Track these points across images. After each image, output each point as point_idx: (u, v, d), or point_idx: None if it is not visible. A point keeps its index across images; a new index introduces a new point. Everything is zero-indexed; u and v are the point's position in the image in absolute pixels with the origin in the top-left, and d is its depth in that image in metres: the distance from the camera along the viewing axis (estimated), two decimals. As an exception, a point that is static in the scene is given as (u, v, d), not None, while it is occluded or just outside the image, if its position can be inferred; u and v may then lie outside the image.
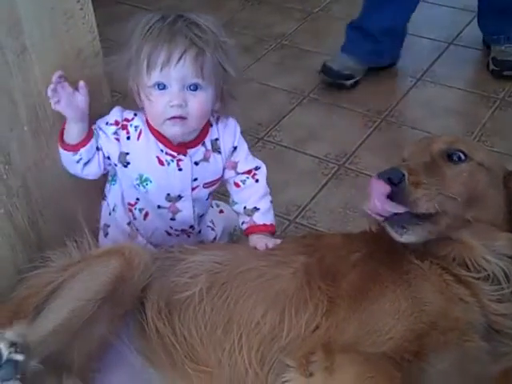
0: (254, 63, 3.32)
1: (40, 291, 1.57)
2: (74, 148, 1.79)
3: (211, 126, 1.89)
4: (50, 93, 1.71)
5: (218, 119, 1.90)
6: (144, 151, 1.83)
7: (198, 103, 1.73)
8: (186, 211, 1.93)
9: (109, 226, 1.99)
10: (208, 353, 1.58)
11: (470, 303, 1.56)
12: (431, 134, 2.61)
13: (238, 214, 1.99)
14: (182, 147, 1.84)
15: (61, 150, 1.81)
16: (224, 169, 1.94)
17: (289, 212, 2.45)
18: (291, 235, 2.30)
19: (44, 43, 1.73)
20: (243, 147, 1.94)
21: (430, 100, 3.02)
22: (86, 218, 1.99)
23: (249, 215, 1.94)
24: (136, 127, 1.83)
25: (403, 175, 1.52)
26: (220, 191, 2.50)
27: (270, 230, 1.93)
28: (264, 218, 1.94)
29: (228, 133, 1.90)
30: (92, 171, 1.85)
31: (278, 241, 1.84)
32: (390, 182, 1.51)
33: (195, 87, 1.72)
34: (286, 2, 3.81)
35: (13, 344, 1.29)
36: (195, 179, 1.88)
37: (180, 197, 1.89)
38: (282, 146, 2.75)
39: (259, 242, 1.84)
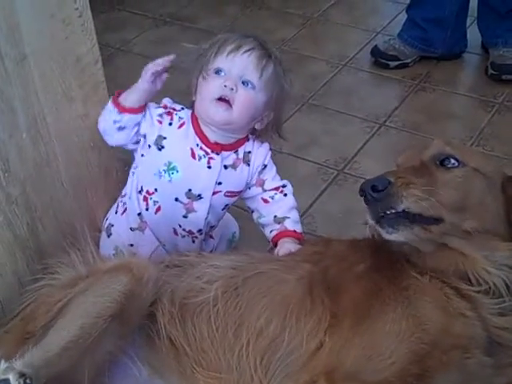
0: (254, 69, 3.31)
1: (49, 307, 1.57)
2: (123, 110, 1.85)
3: (248, 140, 1.96)
4: (152, 69, 1.83)
5: (255, 138, 1.98)
6: (181, 140, 1.89)
7: (245, 97, 1.81)
8: (200, 213, 1.95)
9: (113, 226, 2.01)
10: (218, 356, 1.58)
11: (471, 318, 1.53)
12: (426, 141, 2.63)
13: (264, 226, 2.01)
14: (217, 146, 1.90)
15: (109, 105, 1.87)
16: (248, 184, 1.99)
17: (288, 218, 2.44)
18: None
19: (43, 51, 1.74)
20: (272, 168, 2.01)
21: (428, 105, 3.02)
22: (85, 226, 2.01)
23: (279, 223, 1.97)
24: (180, 118, 1.90)
25: (389, 182, 1.51)
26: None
27: (299, 238, 1.96)
28: (295, 225, 1.98)
29: (261, 151, 1.97)
30: (119, 138, 1.91)
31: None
32: (374, 189, 1.52)
33: (248, 84, 1.81)
34: (285, 8, 3.82)
35: (22, 375, 1.29)
36: (220, 183, 1.92)
37: (200, 197, 1.92)
38: (282, 153, 2.75)
39: (283, 247, 1.90)
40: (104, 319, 1.49)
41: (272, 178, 2.00)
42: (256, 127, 1.93)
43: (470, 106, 3.01)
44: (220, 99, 1.81)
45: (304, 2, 3.80)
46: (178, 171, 1.89)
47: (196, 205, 1.93)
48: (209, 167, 1.89)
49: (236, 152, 1.94)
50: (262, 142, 1.98)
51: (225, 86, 1.79)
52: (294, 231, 1.96)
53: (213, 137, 1.90)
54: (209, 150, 1.89)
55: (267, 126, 1.94)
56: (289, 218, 1.98)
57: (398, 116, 2.96)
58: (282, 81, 1.88)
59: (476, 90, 3.09)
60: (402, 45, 3.25)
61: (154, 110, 1.90)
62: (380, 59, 3.29)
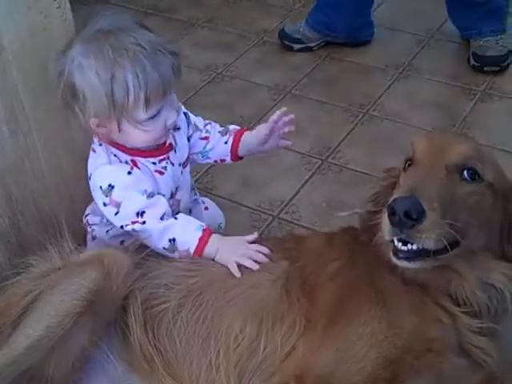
0: (237, 60, 3.31)
1: (18, 302, 1.55)
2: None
3: None
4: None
5: None
6: (146, 175, 1.79)
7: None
8: (184, 200, 1.94)
9: (94, 230, 1.97)
10: (184, 368, 1.56)
11: (446, 324, 1.51)
12: (441, 129, 2.66)
13: (221, 153, 2.00)
14: (164, 146, 1.84)
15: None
16: (189, 140, 1.96)
17: (272, 207, 2.44)
18: (271, 236, 2.29)
19: (21, 42, 1.73)
20: (189, 113, 1.99)
21: (411, 93, 3.03)
22: (67, 219, 2.00)
23: (226, 132, 1.98)
24: (126, 161, 1.78)
25: (423, 211, 1.38)
26: (206, 187, 2.51)
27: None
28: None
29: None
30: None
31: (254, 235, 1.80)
32: (406, 215, 1.39)
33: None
34: (267, -1, 3.81)
35: None
36: (179, 164, 1.90)
37: (177, 188, 1.91)
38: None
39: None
40: (70, 317, 1.48)
41: (197, 118, 2.00)
42: None
43: (453, 94, 3.02)
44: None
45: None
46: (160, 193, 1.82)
47: (178, 195, 1.92)
48: (172, 165, 1.86)
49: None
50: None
51: (171, 123, 1.75)
52: (246, 128, 1.99)
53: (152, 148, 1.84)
54: (165, 156, 1.84)
55: None
56: (229, 127, 2.00)
57: (381, 105, 2.96)
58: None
59: (458, 79, 3.09)
60: (307, 29, 3.31)
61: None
62: (285, 41, 3.36)
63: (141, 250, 1.76)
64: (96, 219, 1.93)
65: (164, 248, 1.73)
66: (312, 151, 2.71)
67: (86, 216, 1.99)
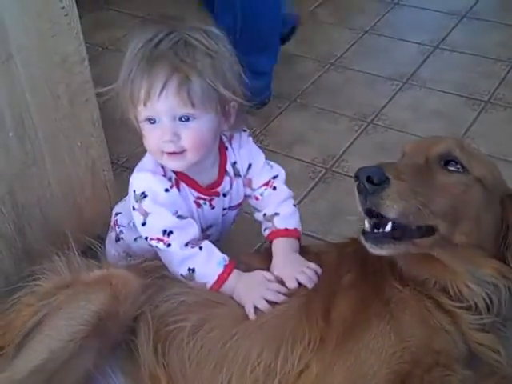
0: (242, 68, 3.32)
1: (24, 322, 1.53)
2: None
3: (227, 149, 1.80)
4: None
5: (231, 139, 1.80)
6: (183, 199, 1.74)
7: (192, 135, 1.61)
8: (213, 235, 1.89)
9: (123, 233, 1.92)
10: None
11: (451, 332, 1.51)
12: (435, 136, 2.61)
13: (260, 222, 1.88)
14: (212, 189, 1.78)
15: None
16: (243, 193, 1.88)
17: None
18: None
19: (29, 50, 1.74)
20: (257, 162, 1.84)
21: (416, 103, 3.03)
22: (73, 226, 2.01)
23: (269, 221, 1.83)
24: (170, 179, 1.72)
25: (386, 178, 1.42)
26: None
27: (293, 235, 1.80)
28: (285, 222, 1.82)
29: (244, 153, 1.82)
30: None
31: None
32: (368, 180, 1.43)
33: (187, 118, 1.60)
34: (272, 7, 3.82)
35: None
36: (223, 208, 1.85)
37: (211, 225, 1.87)
38: (269, 151, 2.75)
39: (276, 254, 1.75)
40: (75, 342, 1.46)
41: (258, 174, 1.84)
42: (225, 129, 1.75)
43: (457, 104, 3.02)
44: (169, 153, 1.63)
45: (291, 2, 3.80)
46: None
47: (209, 231, 1.88)
48: (212, 208, 1.81)
49: (226, 173, 1.80)
50: (240, 136, 1.80)
51: (164, 141, 1.61)
52: (286, 229, 1.80)
53: (200, 177, 1.75)
54: (207, 197, 1.78)
55: (229, 119, 1.72)
56: (278, 214, 1.82)
57: (385, 114, 2.97)
58: (218, 87, 1.60)
59: (463, 89, 3.10)
60: None
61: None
62: None
63: (151, 270, 1.71)
64: (125, 221, 1.88)
65: (182, 275, 1.68)
66: (316, 160, 2.72)
67: (116, 214, 1.93)
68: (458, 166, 1.52)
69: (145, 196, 1.67)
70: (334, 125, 2.93)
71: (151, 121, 1.61)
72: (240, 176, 1.82)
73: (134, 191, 1.69)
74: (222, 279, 1.65)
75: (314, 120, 2.96)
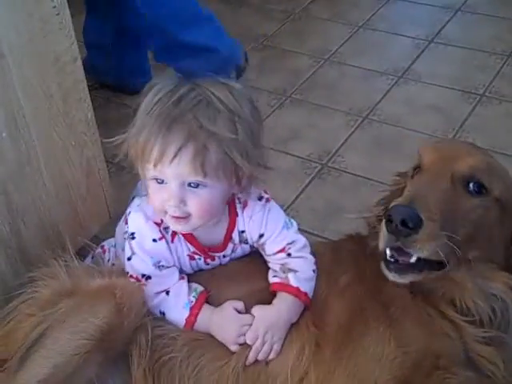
0: (236, 65, 3.32)
1: (26, 335, 1.49)
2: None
3: (237, 215, 1.65)
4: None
5: (244, 206, 1.64)
6: (177, 251, 1.65)
7: (199, 203, 1.51)
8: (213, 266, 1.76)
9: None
10: None
11: (453, 337, 1.50)
12: (449, 138, 2.63)
13: (269, 265, 1.70)
14: (211, 252, 1.67)
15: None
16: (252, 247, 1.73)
17: (272, 212, 2.44)
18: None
19: (21, 49, 1.73)
20: (271, 232, 1.65)
21: (411, 98, 3.03)
22: (69, 227, 2.01)
23: (283, 272, 1.64)
24: (166, 228, 1.62)
25: (421, 220, 1.36)
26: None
27: (302, 299, 1.60)
28: (300, 282, 1.62)
29: (253, 225, 1.65)
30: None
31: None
32: (403, 223, 1.37)
33: (196, 185, 1.49)
34: (266, 4, 3.82)
35: None
36: (220, 263, 1.73)
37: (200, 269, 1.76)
38: (265, 147, 2.75)
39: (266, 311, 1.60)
40: (79, 356, 1.43)
41: (272, 241, 1.66)
42: (235, 192, 1.60)
43: (452, 98, 3.02)
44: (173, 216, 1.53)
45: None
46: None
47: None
48: (207, 264, 1.70)
49: (231, 240, 1.67)
50: (254, 205, 1.64)
51: (169, 205, 1.51)
52: (298, 289, 1.60)
53: (203, 237, 1.64)
54: (202, 256, 1.67)
55: (242, 185, 1.57)
56: (296, 272, 1.63)
57: (380, 109, 2.97)
58: (236, 160, 1.48)
59: (458, 83, 3.10)
60: None
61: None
62: None
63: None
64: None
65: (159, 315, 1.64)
66: (312, 155, 2.72)
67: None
68: (481, 189, 1.48)
69: (133, 237, 1.62)
70: (329, 120, 2.92)
71: (158, 181, 1.51)
72: (247, 243, 1.69)
73: (126, 228, 1.64)
74: (189, 322, 1.59)
75: (309, 116, 2.96)
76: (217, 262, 1.70)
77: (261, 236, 1.65)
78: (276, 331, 1.56)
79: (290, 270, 1.64)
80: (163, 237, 1.61)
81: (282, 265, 1.65)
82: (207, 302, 1.62)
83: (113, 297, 1.50)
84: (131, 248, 1.62)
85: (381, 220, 1.65)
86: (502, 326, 1.54)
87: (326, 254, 1.72)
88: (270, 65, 3.32)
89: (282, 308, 1.59)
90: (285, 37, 3.53)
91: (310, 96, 3.08)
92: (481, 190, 1.47)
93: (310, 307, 1.60)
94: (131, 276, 1.62)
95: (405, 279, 1.47)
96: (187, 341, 1.57)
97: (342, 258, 1.69)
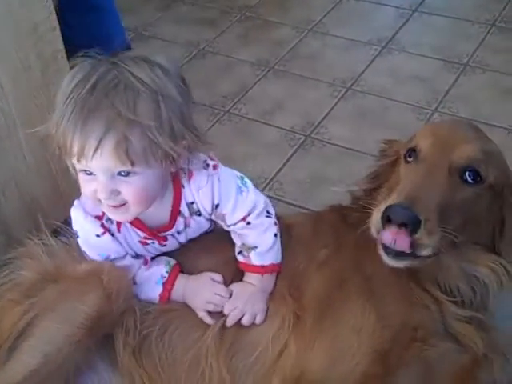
0: (219, 36, 3.29)
1: (13, 324, 1.46)
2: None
3: (183, 187, 1.56)
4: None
5: (190, 177, 1.55)
6: (127, 239, 1.60)
7: (133, 191, 1.42)
8: (172, 248, 1.71)
9: None
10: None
11: (432, 310, 1.51)
12: (445, 119, 2.59)
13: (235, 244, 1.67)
14: (160, 233, 1.61)
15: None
16: (211, 220, 1.66)
17: (256, 185, 2.39)
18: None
19: (-4, 19, 1.69)
20: (227, 201, 1.58)
21: (395, 68, 3.02)
22: (49, 199, 1.99)
23: (246, 251, 1.63)
24: (110, 220, 1.56)
25: (420, 222, 1.35)
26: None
27: (267, 271, 1.61)
28: (262, 258, 1.61)
29: (203, 195, 1.56)
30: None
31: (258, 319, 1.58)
32: (403, 224, 1.36)
33: (126, 173, 1.40)
34: (249, -27, 3.77)
35: None
36: (180, 242, 1.69)
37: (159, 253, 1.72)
38: (248, 119, 2.73)
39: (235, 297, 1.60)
40: (70, 345, 1.42)
41: (232, 210, 1.59)
42: (173, 170, 1.51)
43: (436, 67, 3.01)
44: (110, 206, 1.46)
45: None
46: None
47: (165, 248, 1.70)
48: (163, 246, 1.65)
49: (180, 214, 1.59)
50: (200, 175, 1.55)
51: (101, 197, 1.42)
52: (262, 266, 1.60)
53: (149, 219, 1.57)
54: (155, 240, 1.62)
55: (188, 153, 1.48)
56: (256, 248, 1.61)
57: (364, 80, 2.95)
58: (162, 144, 1.38)
59: (441, 52, 3.09)
60: None
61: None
62: None
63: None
64: None
65: None
66: (295, 127, 2.70)
67: None
68: (477, 177, 1.46)
69: (78, 235, 1.58)
70: (312, 91, 2.90)
71: (87, 172, 1.41)
72: (199, 215, 1.60)
73: (72, 225, 1.60)
74: (164, 297, 1.59)
75: (292, 87, 2.93)
76: (172, 241, 1.64)
77: (216, 206, 1.58)
78: (255, 302, 1.58)
79: (250, 249, 1.61)
80: (106, 230, 1.55)
81: (243, 244, 1.62)
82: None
83: (100, 282, 1.48)
84: (80, 245, 1.59)
85: (369, 193, 1.66)
86: (481, 308, 1.56)
87: (307, 225, 1.71)
88: (253, 36, 3.29)
89: (255, 283, 1.61)
90: (268, 7, 3.50)
91: (294, 67, 3.06)
92: (476, 179, 1.46)
93: (287, 279, 1.59)
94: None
95: (402, 264, 1.45)
96: (161, 313, 1.57)
97: (323, 229, 1.68)
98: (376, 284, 1.52)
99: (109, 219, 1.55)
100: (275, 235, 1.63)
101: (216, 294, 1.59)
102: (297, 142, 2.63)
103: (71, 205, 1.96)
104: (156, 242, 1.62)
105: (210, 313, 1.57)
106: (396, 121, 2.68)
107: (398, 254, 1.41)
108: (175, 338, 1.54)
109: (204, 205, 1.57)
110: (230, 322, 1.57)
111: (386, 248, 1.43)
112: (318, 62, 3.09)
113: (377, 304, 1.49)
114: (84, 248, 1.59)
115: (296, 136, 2.65)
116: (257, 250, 1.61)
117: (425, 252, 1.39)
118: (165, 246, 1.65)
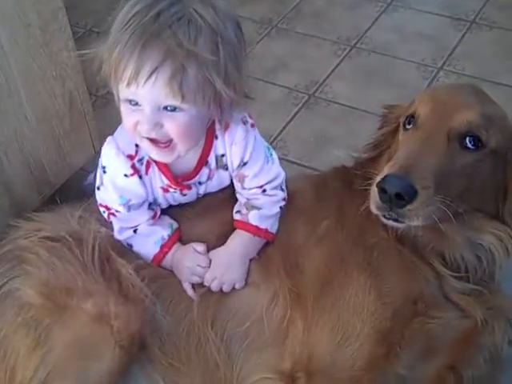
0: (221, -7, 3.23)
1: (28, 377, 1.40)
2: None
3: (216, 138, 1.55)
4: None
5: (226, 128, 1.53)
6: (152, 183, 1.57)
7: (178, 126, 1.40)
8: (190, 199, 1.69)
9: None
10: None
11: (431, 282, 1.49)
12: (448, 83, 2.54)
13: (237, 199, 1.67)
14: (184, 181, 1.58)
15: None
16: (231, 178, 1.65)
17: (260, 144, 2.42)
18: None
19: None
20: (254, 165, 1.58)
21: (399, 25, 2.97)
22: (51, 158, 1.98)
23: (246, 209, 1.62)
24: (141, 160, 1.53)
25: (416, 192, 1.32)
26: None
27: (260, 235, 1.60)
28: (260, 220, 1.60)
29: (236, 150, 1.55)
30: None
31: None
32: (397, 196, 1.33)
33: (173, 108, 1.38)
34: None
35: None
36: (199, 193, 1.67)
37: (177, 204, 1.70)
38: (251, 78, 2.70)
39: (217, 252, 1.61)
40: None
41: (254, 175, 1.59)
42: (215, 116, 1.48)
43: (442, 25, 2.96)
44: (151, 140, 1.43)
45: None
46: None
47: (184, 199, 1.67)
48: (184, 195, 1.63)
49: (207, 164, 1.57)
50: (236, 129, 1.53)
51: (143, 129, 1.40)
52: (256, 227, 1.59)
53: (175, 163, 1.54)
54: (178, 188, 1.59)
55: (223, 110, 1.45)
56: (259, 209, 1.61)
57: (369, 37, 2.91)
58: (216, 84, 1.36)
59: (447, 9, 3.04)
60: None
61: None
62: None
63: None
64: None
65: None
66: (299, 86, 2.68)
67: None
68: (477, 142, 1.41)
69: (105, 171, 1.54)
70: (316, 50, 2.87)
71: (132, 102, 1.39)
72: (227, 169, 1.60)
73: (100, 159, 1.56)
74: (157, 258, 1.59)
75: (296, 45, 2.90)
76: (193, 191, 1.62)
77: (244, 164, 1.57)
78: (234, 271, 1.56)
79: (254, 208, 1.61)
80: (135, 172, 1.52)
81: (248, 200, 1.62)
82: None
83: (110, 331, 1.42)
84: (101, 178, 1.56)
85: (371, 161, 1.63)
86: (486, 276, 1.54)
87: (309, 193, 1.67)
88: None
89: (236, 245, 1.59)
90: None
91: (297, 25, 3.02)
92: (477, 144, 1.41)
93: (284, 252, 1.57)
94: (100, 204, 1.59)
95: (401, 226, 1.43)
96: (152, 277, 1.55)
97: (326, 197, 1.64)
98: (377, 257, 1.50)
99: (140, 160, 1.52)
100: (281, 208, 1.63)
101: (198, 265, 1.57)
102: (300, 100, 2.61)
103: (75, 165, 1.97)
104: (178, 190, 1.60)
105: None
106: (401, 79, 2.64)
107: (397, 220, 1.38)
108: (170, 307, 1.53)
109: (233, 159, 1.56)
110: (213, 289, 1.57)
111: (385, 217, 1.40)
112: (321, 19, 3.04)
113: (377, 280, 1.47)
114: (106, 184, 1.54)
115: (299, 95, 2.63)
116: (260, 211, 1.60)
117: (417, 222, 1.36)
118: (185, 196, 1.63)
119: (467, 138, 1.41)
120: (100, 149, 1.57)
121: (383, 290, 1.46)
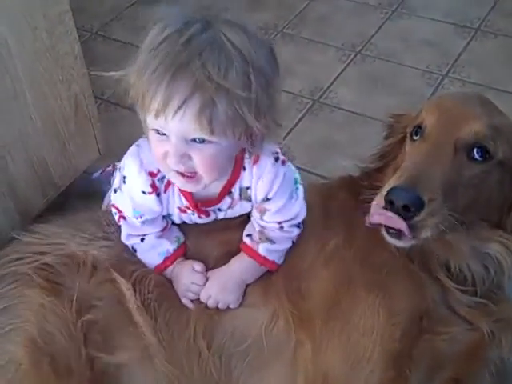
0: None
1: None
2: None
3: (244, 170, 1.48)
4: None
5: (255, 161, 1.47)
6: (169, 202, 1.54)
7: (204, 159, 1.34)
8: (206, 222, 1.64)
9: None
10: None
11: (438, 297, 1.47)
12: (455, 91, 2.51)
13: (247, 226, 1.61)
14: (204, 207, 1.54)
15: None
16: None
17: (264, 149, 2.42)
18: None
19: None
20: (281, 198, 1.51)
21: (405, 32, 2.98)
22: (56, 159, 1.99)
23: (261, 239, 1.56)
24: (162, 179, 1.48)
25: (423, 204, 1.30)
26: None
27: (268, 266, 1.56)
28: (270, 253, 1.55)
29: (263, 185, 1.49)
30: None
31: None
32: (405, 208, 1.31)
33: (202, 140, 1.32)
34: None
35: None
36: (218, 218, 1.61)
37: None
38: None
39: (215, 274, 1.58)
40: None
41: (276, 211, 1.52)
42: (247, 148, 1.43)
43: (447, 32, 2.97)
44: (178, 171, 1.38)
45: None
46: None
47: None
48: (201, 218, 1.58)
49: (230, 194, 1.52)
50: (265, 165, 1.46)
51: (170, 161, 1.35)
52: (264, 258, 1.55)
53: (200, 192, 1.49)
54: (195, 212, 1.55)
55: (253, 140, 1.39)
56: (272, 243, 1.55)
57: (374, 44, 2.92)
58: (247, 118, 1.29)
59: (452, 16, 3.04)
60: None
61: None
62: None
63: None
64: None
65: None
66: (303, 91, 2.68)
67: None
68: (485, 154, 1.39)
69: (124, 181, 1.50)
70: (321, 55, 2.87)
71: (159, 132, 1.34)
72: (249, 201, 1.54)
73: (120, 169, 1.53)
74: (158, 269, 1.58)
75: (300, 51, 2.90)
76: (212, 217, 1.58)
77: (267, 200, 1.51)
78: (228, 293, 1.54)
79: (267, 240, 1.56)
80: (154, 190, 1.48)
81: (263, 228, 1.56)
82: None
83: None
84: (120, 184, 1.53)
85: (377, 171, 1.62)
86: (495, 286, 1.52)
87: (316, 207, 1.62)
88: (262, 0, 3.24)
89: (238, 268, 1.56)
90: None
91: (302, 31, 3.03)
92: (484, 155, 1.40)
93: (287, 274, 1.54)
94: (113, 205, 1.57)
95: (405, 244, 1.40)
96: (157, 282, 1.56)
97: (333, 212, 1.61)
98: (386, 276, 1.47)
99: (161, 179, 1.48)
100: (293, 242, 1.59)
101: (192, 283, 1.55)
102: (305, 106, 2.61)
103: (80, 167, 1.96)
104: (196, 214, 1.56)
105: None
106: (406, 86, 2.65)
107: (400, 236, 1.36)
108: (171, 317, 1.53)
109: (258, 194, 1.50)
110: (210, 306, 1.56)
111: (387, 228, 1.39)
112: (326, 25, 3.05)
113: (386, 299, 1.44)
114: (125, 193, 1.51)
115: (304, 100, 2.63)
116: (273, 244, 1.56)
117: (424, 234, 1.34)
118: (202, 219, 1.58)
119: (475, 149, 1.39)
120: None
121: (392, 311, 1.43)
